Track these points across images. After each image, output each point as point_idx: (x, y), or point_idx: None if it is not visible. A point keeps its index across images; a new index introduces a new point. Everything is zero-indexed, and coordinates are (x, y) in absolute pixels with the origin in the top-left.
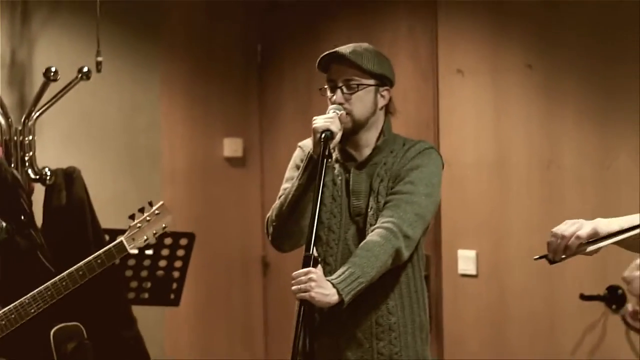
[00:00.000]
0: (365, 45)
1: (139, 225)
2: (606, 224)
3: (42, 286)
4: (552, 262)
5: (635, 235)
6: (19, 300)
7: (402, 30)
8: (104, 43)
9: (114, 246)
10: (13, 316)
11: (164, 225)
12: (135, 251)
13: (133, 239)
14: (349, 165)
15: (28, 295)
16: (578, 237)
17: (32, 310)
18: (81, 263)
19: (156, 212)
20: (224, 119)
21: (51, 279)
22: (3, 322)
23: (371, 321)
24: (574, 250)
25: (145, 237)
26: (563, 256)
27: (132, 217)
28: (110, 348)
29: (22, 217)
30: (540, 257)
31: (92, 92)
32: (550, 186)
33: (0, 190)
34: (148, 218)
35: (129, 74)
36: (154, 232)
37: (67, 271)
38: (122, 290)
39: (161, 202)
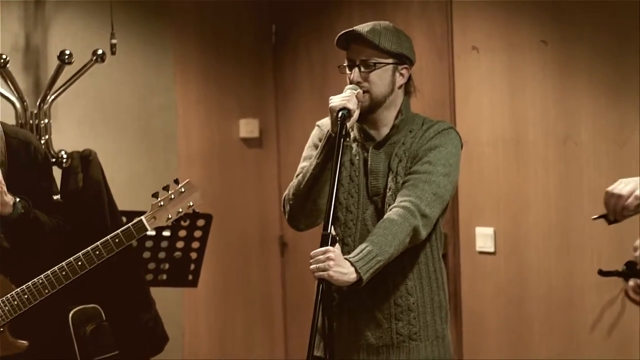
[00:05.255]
0: (384, 23)
1: (161, 203)
2: None
3: (57, 266)
4: (610, 222)
5: None
6: (32, 280)
7: (415, 8)
8: (117, 25)
9: (133, 225)
10: (26, 296)
11: (190, 203)
12: (153, 233)
13: (154, 218)
14: (367, 144)
15: (42, 275)
16: (637, 197)
17: (47, 291)
18: (98, 242)
19: (181, 189)
20: (239, 100)
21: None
22: (15, 302)
23: (390, 301)
24: (632, 210)
25: (168, 216)
26: (626, 215)
27: (155, 195)
28: (129, 330)
29: (54, 197)
30: (599, 217)
31: (106, 74)
32: (567, 162)
33: (30, 170)
34: (172, 196)
35: (144, 56)
36: (179, 210)
37: (83, 250)
38: (140, 272)
39: (187, 180)
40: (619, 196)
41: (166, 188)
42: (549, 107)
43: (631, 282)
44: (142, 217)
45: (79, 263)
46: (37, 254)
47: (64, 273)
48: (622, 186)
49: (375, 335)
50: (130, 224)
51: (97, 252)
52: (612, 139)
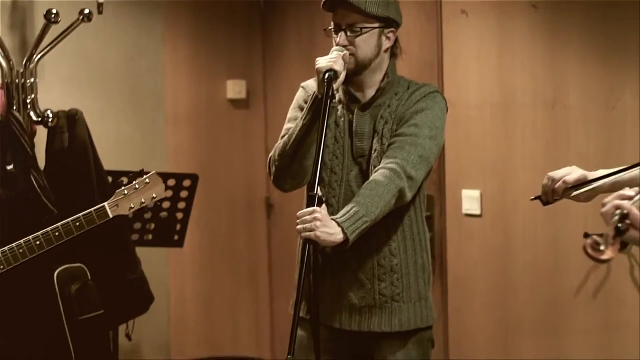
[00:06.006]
0: None
1: (125, 192)
2: (597, 173)
3: (15, 243)
4: (544, 203)
5: (624, 180)
6: None
7: None
8: None
9: (95, 210)
10: None
11: (153, 194)
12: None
13: (117, 205)
14: (353, 106)
15: None
16: (564, 182)
17: (1, 267)
18: (58, 224)
19: (146, 180)
20: (227, 61)
21: (54, 220)
22: None
23: (373, 262)
24: (560, 194)
25: (131, 205)
26: (555, 198)
27: (120, 183)
28: (114, 289)
29: (7, 167)
30: (535, 198)
31: (93, 34)
32: (555, 126)
33: None
34: (137, 186)
35: (132, 16)
36: (142, 201)
37: (42, 230)
38: (126, 232)
39: (153, 172)
40: (553, 180)
41: (132, 178)
42: (537, 70)
43: (589, 240)
44: (105, 204)
45: (37, 242)
46: (14, 216)
47: (21, 251)
48: (559, 171)
49: (358, 296)
50: (92, 209)
51: (57, 234)
52: (600, 102)
